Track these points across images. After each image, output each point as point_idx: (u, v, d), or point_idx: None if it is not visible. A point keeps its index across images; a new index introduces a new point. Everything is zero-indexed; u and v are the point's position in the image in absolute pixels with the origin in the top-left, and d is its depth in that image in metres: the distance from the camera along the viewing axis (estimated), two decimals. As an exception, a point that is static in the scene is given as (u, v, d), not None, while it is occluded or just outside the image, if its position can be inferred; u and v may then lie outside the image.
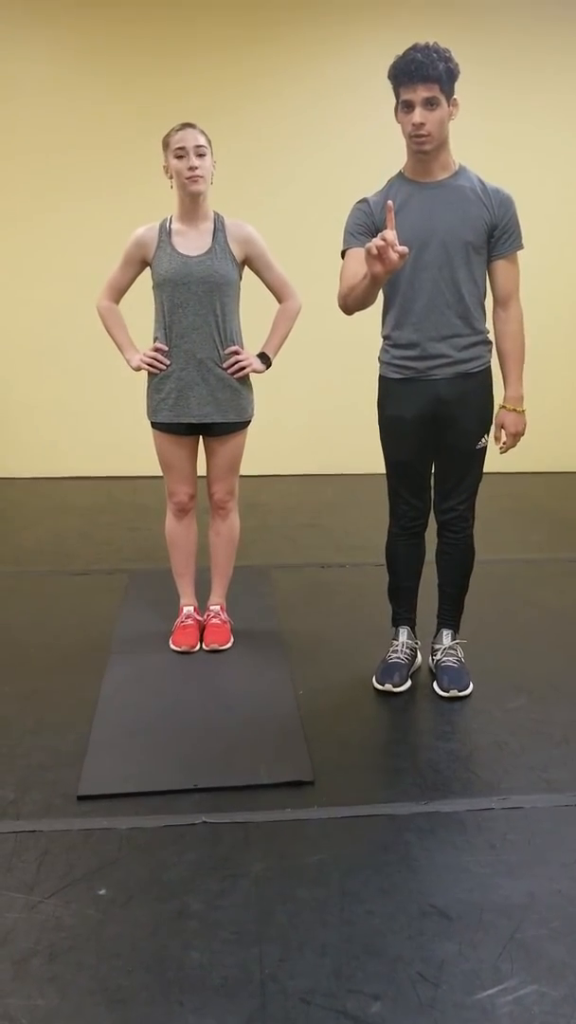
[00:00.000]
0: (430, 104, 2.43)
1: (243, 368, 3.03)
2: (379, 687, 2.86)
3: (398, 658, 2.94)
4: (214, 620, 3.27)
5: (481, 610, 3.56)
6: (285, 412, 6.04)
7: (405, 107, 2.47)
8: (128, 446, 5.91)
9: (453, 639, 2.96)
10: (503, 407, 2.73)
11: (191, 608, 3.31)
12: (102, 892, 1.92)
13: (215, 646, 3.16)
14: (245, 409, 3.10)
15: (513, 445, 2.76)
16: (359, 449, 6.25)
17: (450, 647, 2.93)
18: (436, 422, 2.71)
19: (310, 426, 6.22)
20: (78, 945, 1.76)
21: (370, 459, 6.23)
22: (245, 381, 3.09)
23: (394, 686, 2.86)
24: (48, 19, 5.56)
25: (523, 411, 2.72)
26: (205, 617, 3.31)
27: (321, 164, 5.87)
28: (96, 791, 2.29)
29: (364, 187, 5.54)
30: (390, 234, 2.18)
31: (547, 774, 2.39)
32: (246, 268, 3.07)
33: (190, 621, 3.25)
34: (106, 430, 6.05)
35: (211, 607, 3.32)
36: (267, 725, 2.63)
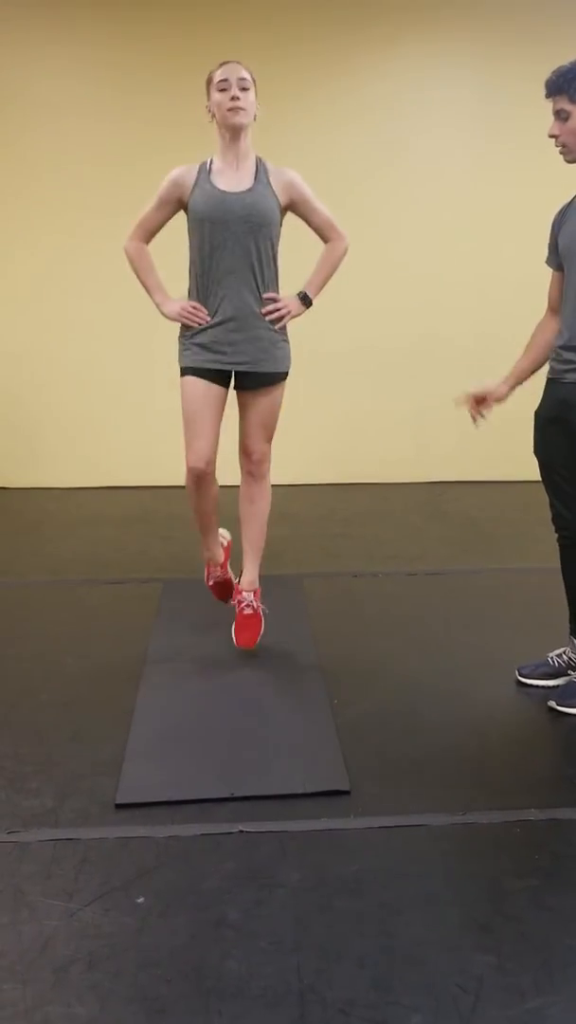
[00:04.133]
0: (560, 116, 2.50)
1: (282, 317, 2.96)
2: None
3: (549, 659, 2.97)
4: (247, 610, 3.19)
5: (521, 619, 3.55)
6: (317, 420, 6.05)
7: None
8: (161, 457, 5.95)
9: None
10: None
11: (218, 568, 3.35)
12: (140, 900, 1.93)
13: (245, 648, 3.12)
14: (282, 360, 3.02)
15: None
16: (391, 458, 6.26)
17: None
18: (560, 425, 2.69)
19: (342, 435, 6.22)
20: (117, 953, 1.77)
21: (402, 468, 6.25)
22: (282, 332, 3.02)
23: (519, 674, 2.98)
24: (74, 38, 5.64)
25: None
26: (236, 602, 3.24)
27: (344, 166, 5.89)
28: (134, 799, 2.30)
29: (392, 192, 5.48)
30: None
31: (586, 785, 2.37)
32: (288, 215, 3.00)
33: (219, 572, 3.34)
34: (140, 441, 6.09)
35: (244, 593, 3.23)
36: (302, 734, 2.63)
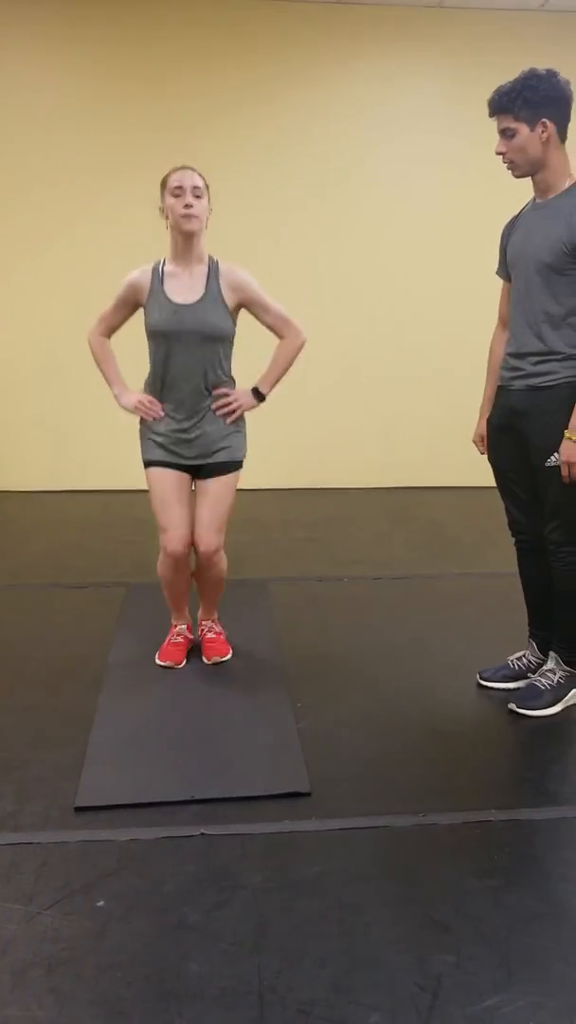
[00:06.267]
0: (506, 134, 2.55)
1: (233, 411, 2.99)
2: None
3: (509, 662, 3.03)
4: (209, 635, 3.27)
5: (483, 623, 3.58)
6: (283, 426, 6.07)
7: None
8: (126, 460, 5.91)
9: (555, 663, 2.88)
10: (564, 433, 2.59)
11: (184, 626, 3.27)
12: (101, 903, 1.92)
13: (216, 659, 3.15)
14: (235, 450, 3.05)
15: (568, 475, 2.57)
16: (357, 463, 6.29)
17: (548, 669, 2.88)
18: (512, 433, 2.74)
19: (308, 440, 6.25)
20: (77, 956, 1.76)
21: (368, 473, 6.28)
22: (238, 423, 3.05)
23: (480, 677, 3.03)
24: (60, 50, 5.63)
25: None
26: (200, 632, 3.31)
27: (320, 186, 5.92)
28: (93, 802, 2.29)
29: (359, 204, 5.51)
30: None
31: (546, 787, 2.40)
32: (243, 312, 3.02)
33: (180, 639, 3.23)
34: (104, 444, 6.07)
35: (203, 622, 3.32)
36: (264, 737, 2.64)
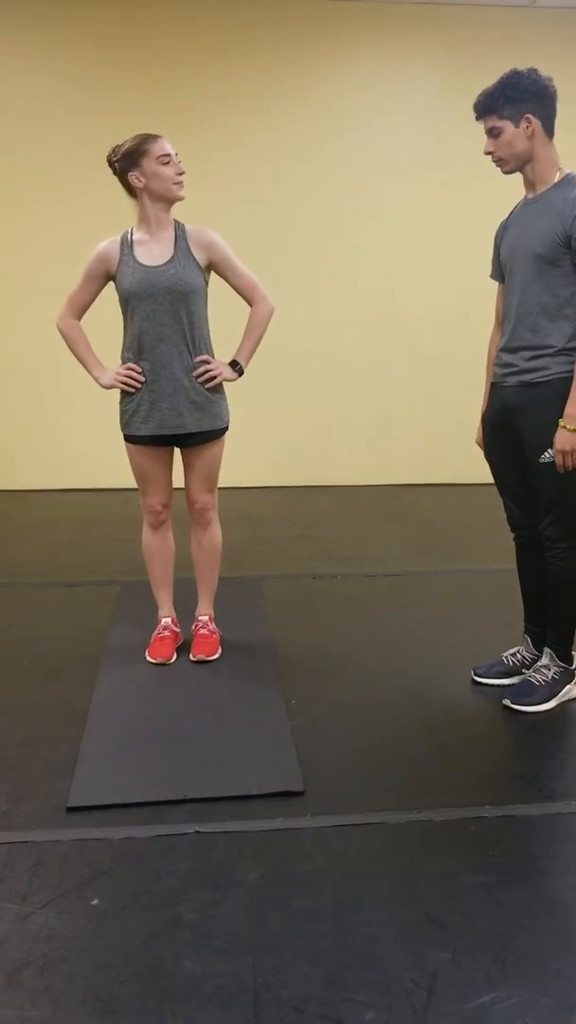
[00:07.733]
0: (492, 133, 2.59)
1: (214, 378, 2.98)
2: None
3: (503, 658, 3.03)
4: (202, 631, 3.26)
5: (476, 619, 3.58)
6: (278, 423, 6.06)
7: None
8: (119, 459, 5.90)
9: (549, 658, 2.87)
10: (560, 422, 2.58)
11: (169, 620, 3.28)
12: (95, 902, 1.91)
13: (202, 656, 3.14)
14: (219, 416, 3.05)
15: (562, 463, 2.58)
16: (351, 460, 6.29)
17: (543, 665, 2.87)
18: (507, 430, 2.75)
19: (303, 437, 6.24)
20: (71, 955, 1.76)
21: (363, 471, 6.28)
22: (218, 389, 3.04)
23: (474, 673, 3.03)
24: (42, 40, 5.60)
25: (573, 429, 2.54)
26: (193, 627, 3.29)
27: (312, 185, 5.91)
28: (85, 802, 2.28)
29: (354, 203, 5.48)
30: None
31: (540, 783, 2.40)
32: (213, 275, 3.02)
33: (167, 633, 3.23)
34: (97, 443, 6.05)
35: (199, 618, 3.31)
36: (258, 735, 2.63)
